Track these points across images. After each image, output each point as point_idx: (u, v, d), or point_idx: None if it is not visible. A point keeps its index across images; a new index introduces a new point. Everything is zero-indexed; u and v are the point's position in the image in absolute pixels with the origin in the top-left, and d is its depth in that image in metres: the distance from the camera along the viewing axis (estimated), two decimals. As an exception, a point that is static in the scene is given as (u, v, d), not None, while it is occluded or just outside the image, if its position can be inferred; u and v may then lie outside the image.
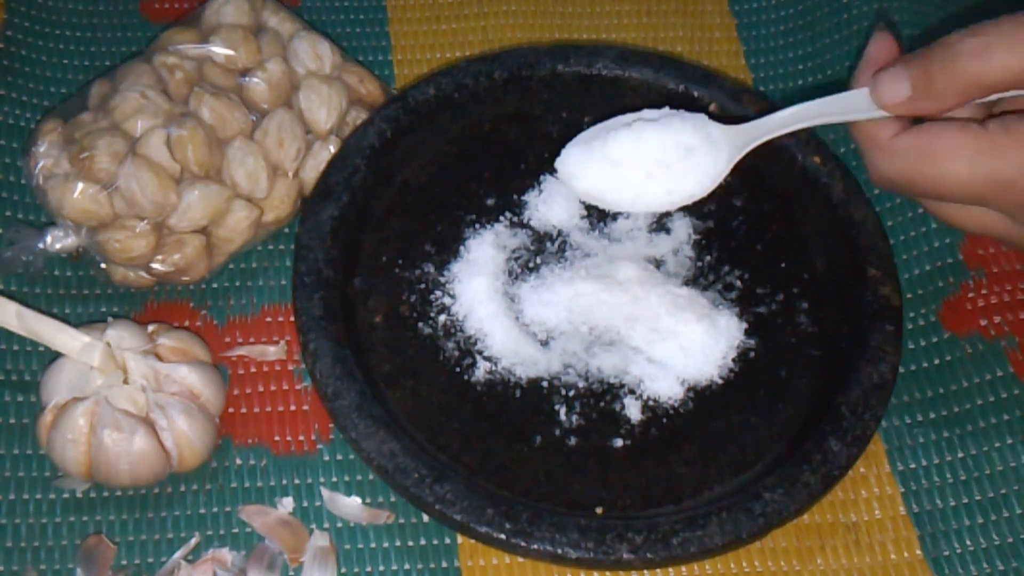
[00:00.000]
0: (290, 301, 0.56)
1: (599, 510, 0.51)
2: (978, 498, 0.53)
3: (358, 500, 0.53)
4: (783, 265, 0.59)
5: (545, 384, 0.55)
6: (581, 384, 0.55)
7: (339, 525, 0.52)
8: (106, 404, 0.50)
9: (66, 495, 0.52)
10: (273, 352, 0.57)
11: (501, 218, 0.60)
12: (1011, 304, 0.58)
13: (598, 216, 0.60)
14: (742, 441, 0.54)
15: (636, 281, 0.57)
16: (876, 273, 0.56)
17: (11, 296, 0.54)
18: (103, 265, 0.57)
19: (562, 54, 0.62)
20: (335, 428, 0.54)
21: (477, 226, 0.59)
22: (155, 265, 0.56)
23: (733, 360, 0.56)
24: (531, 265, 0.58)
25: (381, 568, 0.51)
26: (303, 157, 0.59)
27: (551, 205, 0.60)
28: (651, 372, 0.55)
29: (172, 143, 0.55)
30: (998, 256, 0.60)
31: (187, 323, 0.57)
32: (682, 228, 0.60)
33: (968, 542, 0.52)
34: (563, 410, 0.54)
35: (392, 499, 0.53)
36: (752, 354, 0.56)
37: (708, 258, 0.59)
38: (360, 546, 0.51)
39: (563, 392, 0.55)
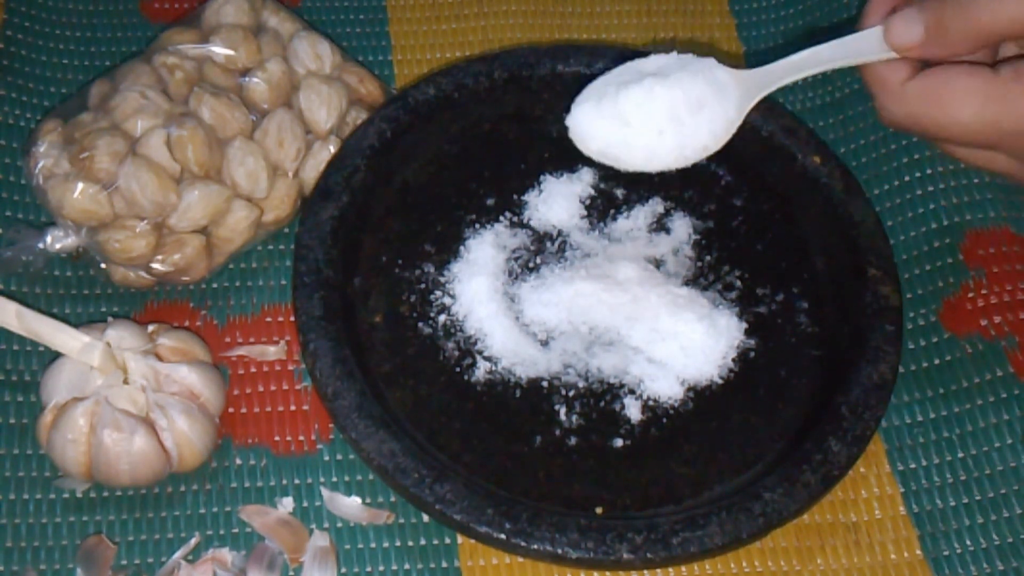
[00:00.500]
0: (290, 301, 0.56)
1: (599, 510, 0.51)
2: (978, 498, 0.53)
3: (358, 500, 0.53)
4: (783, 265, 0.59)
5: (545, 384, 0.55)
6: (581, 384, 0.55)
7: (339, 525, 0.52)
8: (106, 404, 0.50)
9: (66, 495, 0.52)
10: (273, 352, 0.57)
11: (501, 218, 0.60)
12: (1011, 304, 0.58)
13: (598, 216, 0.60)
14: (742, 441, 0.54)
15: (636, 281, 0.57)
16: (876, 273, 0.56)
17: (11, 296, 0.54)
18: (103, 265, 0.57)
19: (562, 54, 0.62)
20: (335, 428, 0.54)
21: (477, 226, 0.59)
22: (155, 265, 0.56)
23: (733, 360, 0.56)
24: (531, 265, 0.58)
25: (381, 568, 0.51)
26: (303, 157, 0.59)
27: (551, 205, 0.60)
28: (651, 372, 0.55)
29: (172, 143, 0.55)
30: (998, 256, 0.60)
31: (187, 323, 0.57)
32: (682, 228, 0.60)
33: (968, 542, 0.52)
34: (563, 410, 0.54)
35: (392, 499, 0.53)
36: (752, 354, 0.56)
37: (708, 258, 0.59)
38: (360, 546, 0.51)
39: (563, 392, 0.55)
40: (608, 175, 0.61)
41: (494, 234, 0.59)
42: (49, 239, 0.56)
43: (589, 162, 0.61)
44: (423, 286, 0.58)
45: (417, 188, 0.61)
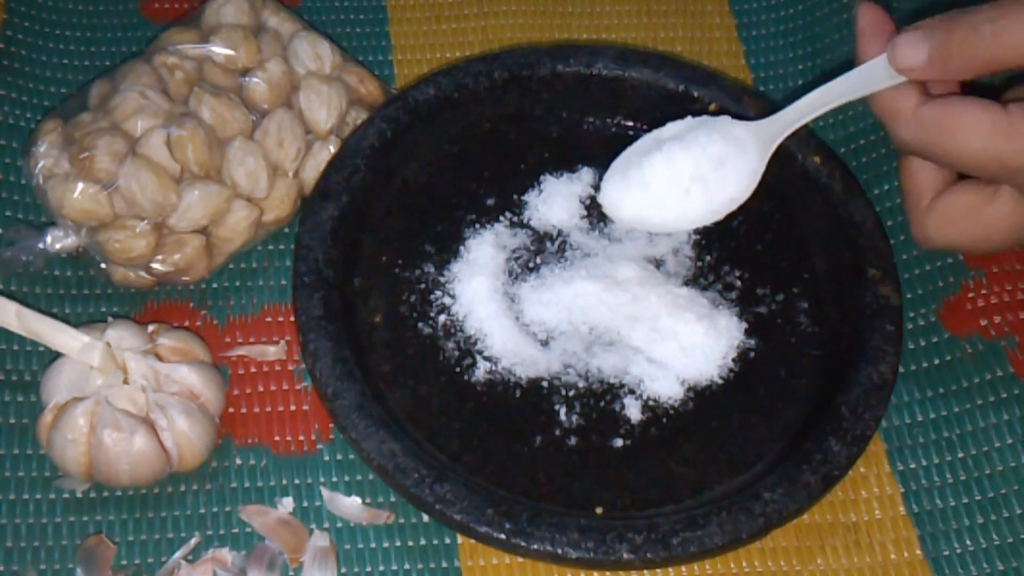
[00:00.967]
0: (290, 301, 0.56)
1: (599, 510, 0.51)
2: (978, 498, 0.53)
3: (358, 500, 0.53)
4: (783, 265, 0.59)
5: (545, 384, 0.55)
6: (581, 384, 0.55)
7: (339, 525, 0.52)
8: (106, 404, 0.50)
9: (66, 495, 0.52)
10: (273, 352, 0.57)
11: (501, 218, 0.60)
12: (1011, 304, 0.58)
13: (598, 216, 0.60)
14: (742, 441, 0.54)
15: (636, 281, 0.57)
16: (876, 273, 0.56)
17: (11, 296, 0.54)
18: (103, 265, 0.57)
19: (562, 54, 0.62)
20: (335, 428, 0.54)
21: (477, 226, 0.59)
22: (155, 265, 0.56)
23: (733, 360, 0.56)
24: (531, 265, 0.58)
25: (381, 568, 0.51)
26: (303, 157, 0.59)
27: (551, 205, 0.60)
28: (651, 372, 0.55)
29: (172, 143, 0.55)
30: (998, 256, 0.60)
31: (187, 323, 0.57)
32: (682, 228, 0.60)
33: (968, 542, 0.52)
34: (563, 410, 0.54)
35: (392, 499, 0.53)
36: (752, 354, 0.56)
37: (708, 258, 0.59)
38: (360, 546, 0.51)
39: (563, 392, 0.55)
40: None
41: (494, 234, 0.59)
42: (49, 239, 0.56)
43: (589, 162, 0.62)
44: (423, 286, 0.58)
45: (417, 188, 0.61)
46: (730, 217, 0.60)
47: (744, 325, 0.57)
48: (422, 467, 0.50)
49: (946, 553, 0.52)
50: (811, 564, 0.52)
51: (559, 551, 0.48)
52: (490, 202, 0.60)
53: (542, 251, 0.59)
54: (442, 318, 0.57)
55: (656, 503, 0.52)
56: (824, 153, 0.59)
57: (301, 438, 0.54)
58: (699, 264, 0.59)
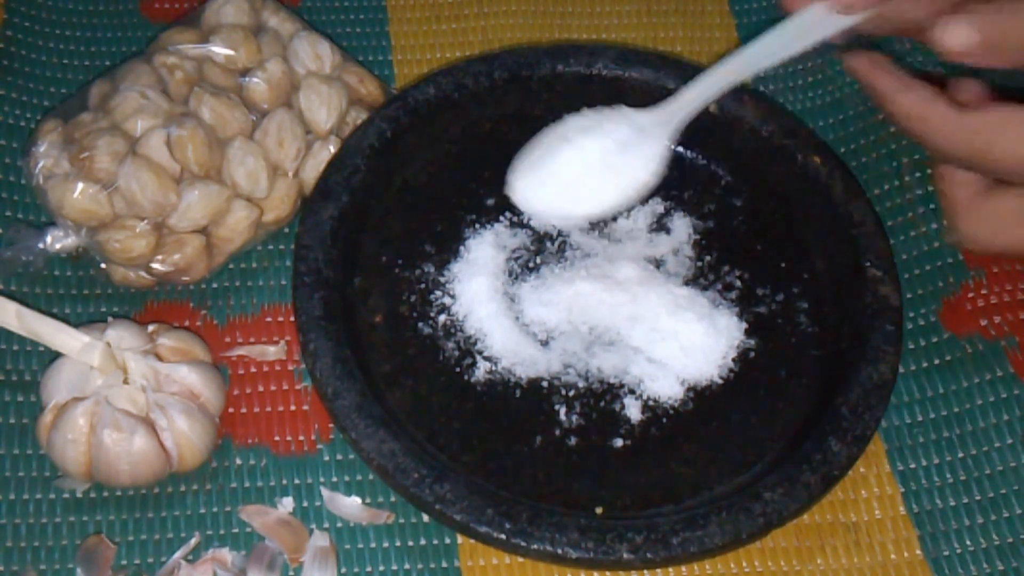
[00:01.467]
0: (290, 301, 0.56)
1: (599, 510, 0.51)
2: (978, 498, 0.53)
3: (358, 500, 0.53)
4: (783, 265, 0.59)
5: (545, 384, 0.55)
6: (581, 384, 0.55)
7: (339, 525, 0.52)
8: (106, 404, 0.50)
9: (66, 495, 0.52)
10: (273, 352, 0.57)
11: (501, 218, 0.60)
12: (1011, 304, 0.58)
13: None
14: (742, 441, 0.54)
15: (636, 281, 0.57)
16: (876, 273, 0.56)
17: (11, 296, 0.54)
18: (103, 265, 0.57)
19: (562, 54, 0.62)
20: (335, 428, 0.54)
21: (477, 226, 0.59)
22: (155, 265, 0.56)
23: (733, 360, 0.56)
24: (531, 265, 0.58)
25: (381, 568, 0.51)
26: (303, 157, 0.59)
27: (551, 205, 0.60)
28: (651, 372, 0.55)
29: (172, 143, 0.55)
30: (998, 256, 0.60)
31: (187, 323, 0.57)
32: (682, 228, 0.60)
33: (968, 542, 0.52)
34: (563, 410, 0.54)
35: (392, 499, 0.53)
36: (752, 354, 0.56)
37: (708, 258, 0.59)
38: (360, 546, 0.51)
39: (563, 392, 0.55)
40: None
41: (494, 234, 0.59)
42: (49, 239, 0.56)
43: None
44: (423, 286, 0.58)
45: (417, 188, 0.61)
46: (730, 217, 0.60)
47: (744, 325, 0.57)
48: (422, 467, 0.49)
49: (946, 553, 0.52)
50: (811, 564, 0.52)
51: (559, 551, 0.48)
52: (490, 202, 0.60)
53: (542, 251, 0.59)
54: (442, 318, 0.57)
55: (656, 503, 0.52)
56: (824, 153, 0.59)
57: (301, 438, 0.54)
58: (699, 264, 0.59)
